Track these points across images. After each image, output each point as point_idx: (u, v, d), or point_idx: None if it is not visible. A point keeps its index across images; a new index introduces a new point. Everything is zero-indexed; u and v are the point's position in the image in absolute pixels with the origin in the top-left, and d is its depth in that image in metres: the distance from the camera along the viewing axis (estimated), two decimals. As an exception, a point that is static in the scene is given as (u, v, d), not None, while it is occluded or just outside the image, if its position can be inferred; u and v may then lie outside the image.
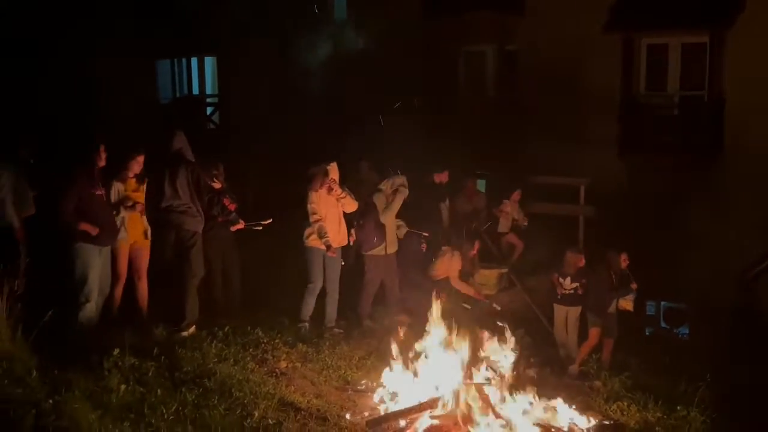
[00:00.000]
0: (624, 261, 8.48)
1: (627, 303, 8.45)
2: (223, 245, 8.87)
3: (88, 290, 7.37)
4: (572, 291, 8.58)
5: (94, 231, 7.26)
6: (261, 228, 9.07)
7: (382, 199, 9.16)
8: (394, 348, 7.17)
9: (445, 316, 7.20)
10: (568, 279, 8.63)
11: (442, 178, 10.67)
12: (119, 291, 8.02)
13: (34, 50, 14.96)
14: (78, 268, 7.33)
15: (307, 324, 8.70)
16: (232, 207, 8.88)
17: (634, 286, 8.49)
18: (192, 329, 7.99)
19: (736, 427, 6.60)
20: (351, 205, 8.79)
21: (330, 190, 8.58)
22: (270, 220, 9.09)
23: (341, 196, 8.66)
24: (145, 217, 7.99)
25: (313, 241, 8.65)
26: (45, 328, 6.63)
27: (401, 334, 7.40)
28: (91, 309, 7.43)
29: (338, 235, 8.77)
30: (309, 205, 8.57)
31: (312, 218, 8.57)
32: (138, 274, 8.14)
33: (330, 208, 8.66)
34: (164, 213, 8.05)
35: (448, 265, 9.43)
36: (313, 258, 8.70)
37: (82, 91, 15.11)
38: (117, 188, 7.76)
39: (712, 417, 6.72)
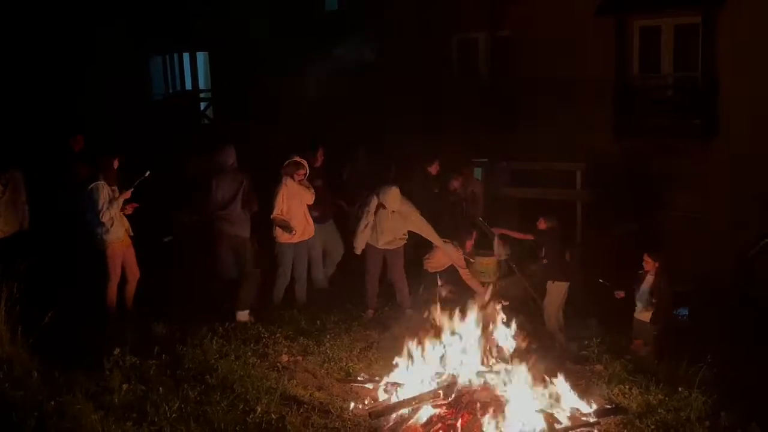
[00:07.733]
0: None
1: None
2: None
3: None
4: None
5: None
6: None
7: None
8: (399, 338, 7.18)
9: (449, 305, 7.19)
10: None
11: (433, 169, 10.46)
12: (113, 290, 8.09)
13: (25, 48, 14.91)
14: None
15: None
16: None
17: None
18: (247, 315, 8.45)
19: (737, 408, 6.59)
20: (308, 196, 8.95)
21: (301, 181, 8.81)
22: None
23: (307, 186, 8.91)
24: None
25: (283, 237, 8.93)
26: (45, 330, 6.65)
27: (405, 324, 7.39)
28: None
29: (306, 226, 9.01)
30: (274, 201, 8.79)
31: (273, 213, 8.80)
32: (132, 272, 8.28)
33: (299, 199, 8.87)
34: (213, 220, 8.61)
35: (450, 256, 9.34)
36: (285, 252, 9.02)
37: (74, 90, 15.06)
38: (107, 190, 7.94)
39: (713, 398, 6.72)
